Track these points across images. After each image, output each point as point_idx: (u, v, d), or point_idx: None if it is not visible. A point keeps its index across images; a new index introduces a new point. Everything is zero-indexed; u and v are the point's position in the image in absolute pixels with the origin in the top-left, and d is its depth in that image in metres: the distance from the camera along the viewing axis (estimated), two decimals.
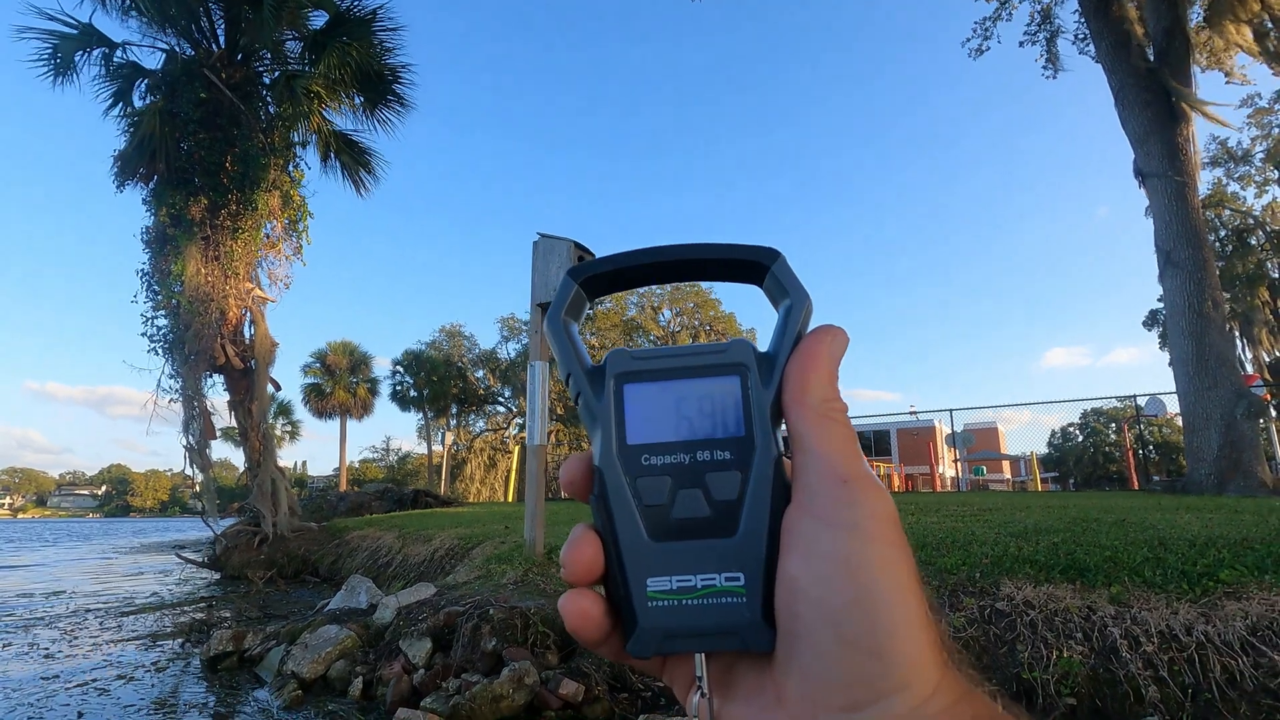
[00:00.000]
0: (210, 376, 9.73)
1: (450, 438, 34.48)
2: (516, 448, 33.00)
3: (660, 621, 0.24)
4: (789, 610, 0.23)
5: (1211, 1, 10.78)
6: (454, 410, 36.51)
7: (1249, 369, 29.62)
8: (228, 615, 6.82)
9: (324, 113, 10.80)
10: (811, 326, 0.25)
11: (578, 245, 5.07)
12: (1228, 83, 11.05)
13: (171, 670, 4.59)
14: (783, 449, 0.25)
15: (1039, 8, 11.91)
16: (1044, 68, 11.80)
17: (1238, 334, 30.02)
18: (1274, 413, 27.76)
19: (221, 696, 3.98)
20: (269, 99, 10.26)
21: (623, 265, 0.28)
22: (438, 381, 33.67)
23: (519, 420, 37.30)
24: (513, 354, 34.24)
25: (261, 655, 4.40)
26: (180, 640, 5.50)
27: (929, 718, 0.21)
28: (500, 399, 37.98)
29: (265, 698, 3.89)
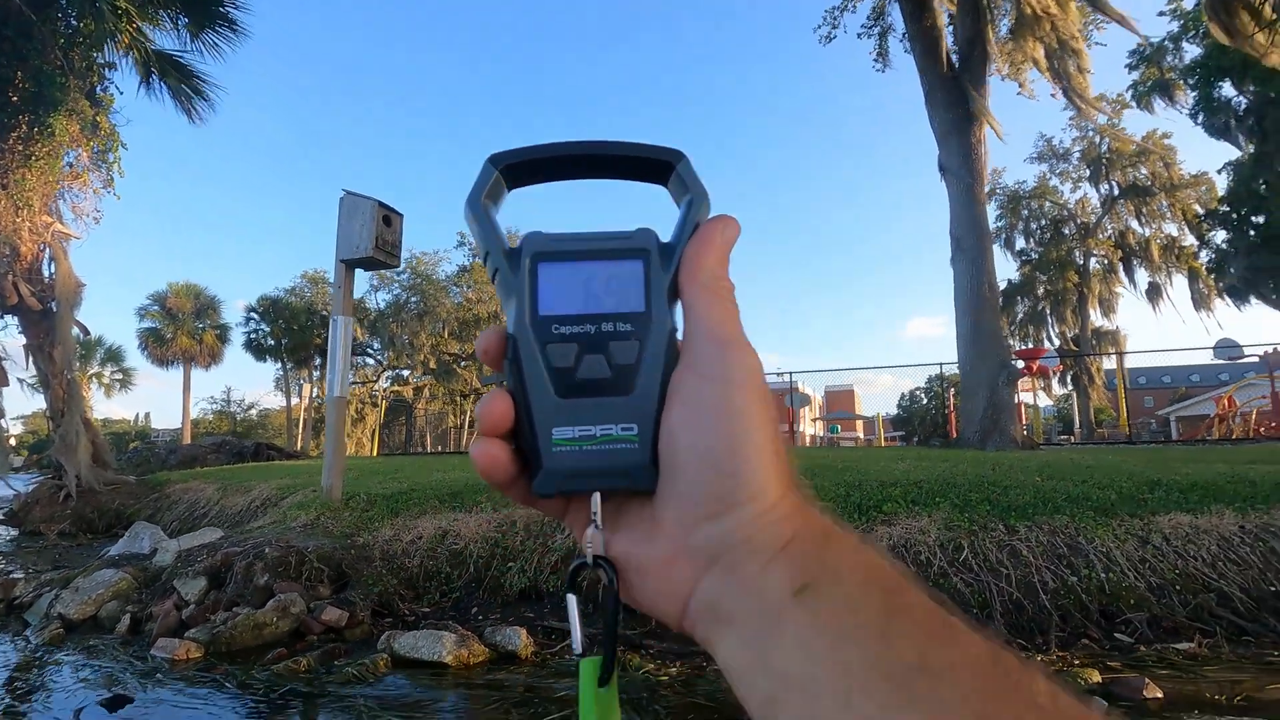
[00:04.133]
0: (1, 318, 8.90)
1: (312, 390, 32.86)
2: (384, 402, 32.11)
3: (563, 464, 0.27)
4: (669, 450, 0.27)
5: (1017, 16, 12.15)
6: (317, 362, 34.76)
7: (1056, 343, 34.05)
8: (15, 570, 6.51)
9: (142, 29, 9.88)
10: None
11: (382, 205, 5.22)
12: (1019, 94, 12.55)
13: None
14: (676, 324, 0.29)
15: (875, 4, 12.89)
16: (874, 61, 12.89)
17: (1049, 312, 34.35)
18: (1063, 384, 32.01)
19: None
20: (71, 12, 9.26)
21: (539, 155, 0.30)
22: (298, 330, 31.84)
23: (390, 373, 36.13)
24: (382, 304, 32.89)
25: (31, 602, 4.38)
26: None
27: (772, 521, 0.25)
28: (369, 350, 36.52)
29: (27, 639, 3.94)
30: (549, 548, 4.27)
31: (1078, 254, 34.55)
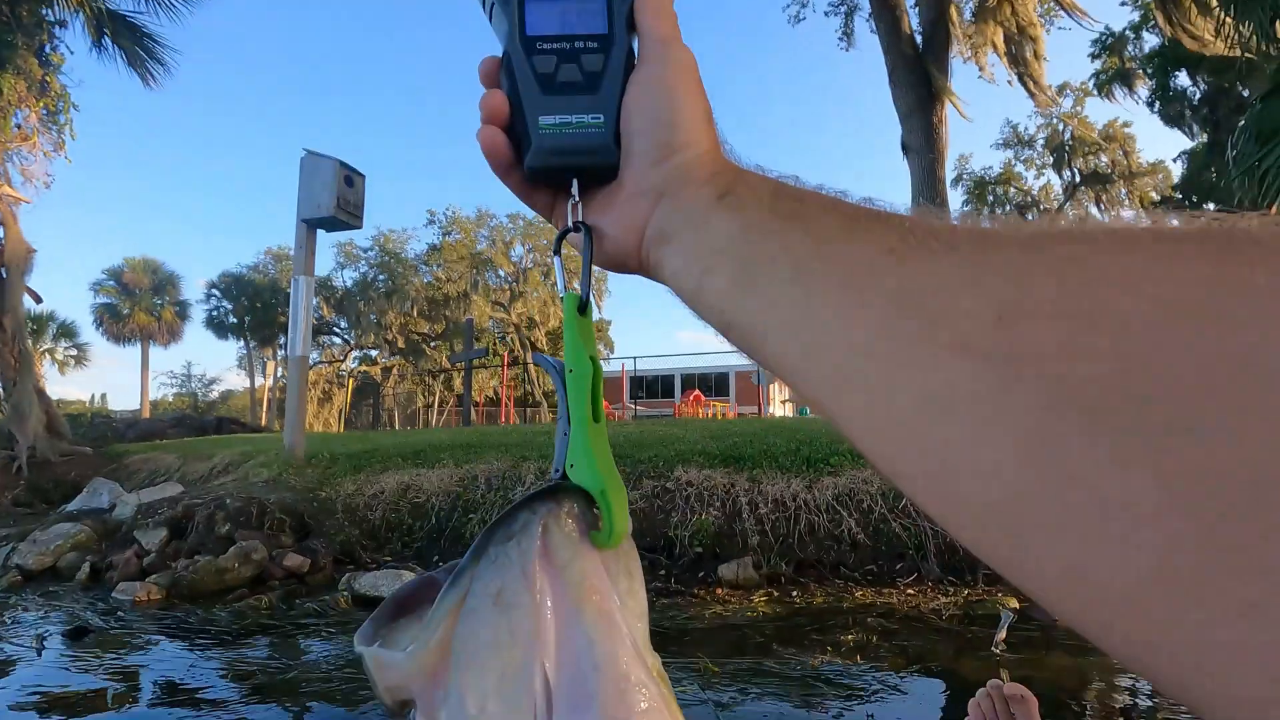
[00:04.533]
0: None
1: (276, 368, 32.31)
2: (352, 380, 31.75)
3: (548, 144, 0.33)
4: (626, 121, 0.33)
5: (980, 1, 12.39)
6: (281, 340, 34.15)
7: None
8: None
9: None
10: None
11: (343, 165, 5.22)
12: (980, 77, 12.82)
13: None
14: (633, 44, 0.35)
15: None
16: (840, 39, 13.05)
17: None
18: None
19: None
20: None
21: None
22: (262, 308, 31.21)
23: (357, 353, 35.72)
24: (349, 282, 32.38)
25: None
26: None
27: (704, 161, 0.31)
28: (336, 329, 35.99)
29: None
30: (509, 500, 4.40)
31: None
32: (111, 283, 28.43)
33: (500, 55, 0.36)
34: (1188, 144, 24.18)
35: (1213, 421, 0.14)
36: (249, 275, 30.86)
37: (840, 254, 0.23)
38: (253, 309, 30.20)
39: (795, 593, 3.48)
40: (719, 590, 3.50)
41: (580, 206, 0.35)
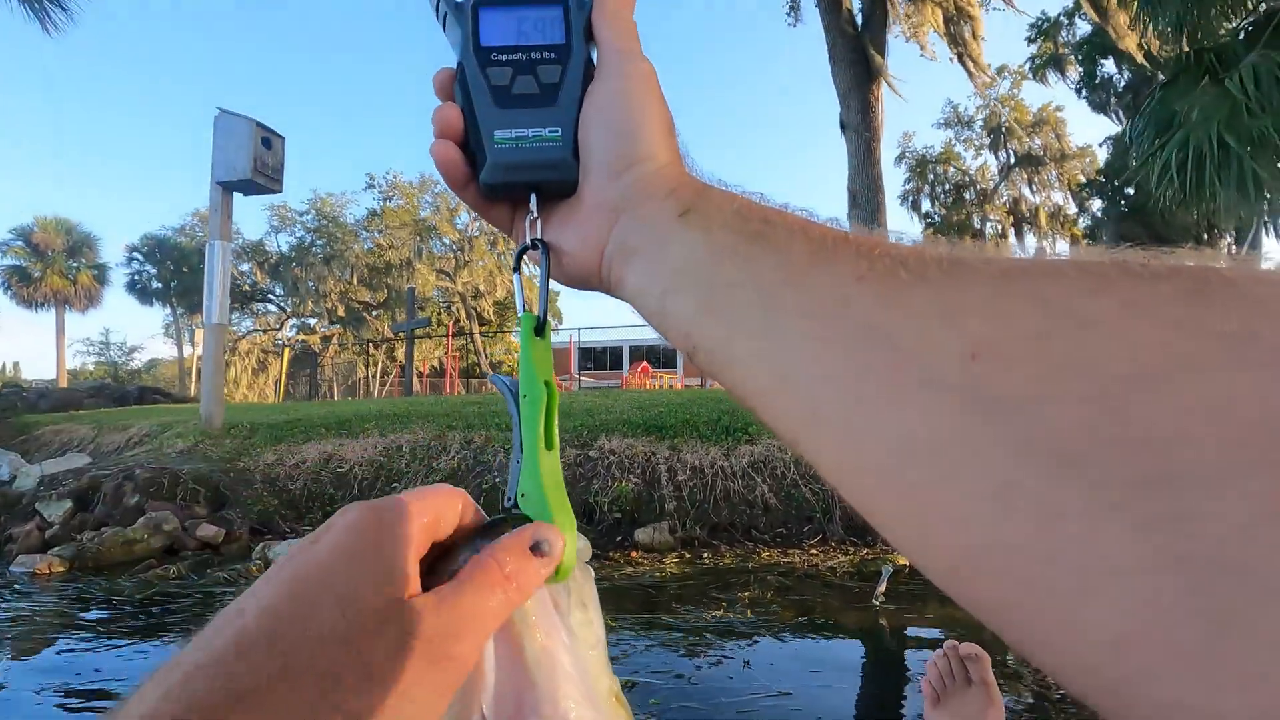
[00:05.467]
0: None
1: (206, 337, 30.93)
2: (288, 350, 30.72)
3: (504, 159, 0.32)
4: (584, 134, 0.32)
5: None
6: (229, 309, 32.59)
7: None
8: None
9: None
10: None
11: (260, 126, 5.03)
12: (921, 55, 13.09)
13: None
14: (591, 55, 0.34)
15: None
16: (787, 14, 13.11)
17: None
18: None
19: None
20: None
21: None
22: (189, 273, 29.76)
23: (295, 321, 34.54)
24: (285, 247, 31.13)
25: None
26: None
27: (664, 175, 0.30)
28: (271, 296, 34.68)
29: None
30: (434, 469, 4.43)
31: (976, 218, 36.48)
32: (20, 243, 26.57)
33: (455, 66, 0.35)
34: (1114, 129, 25.34)
35: (1190, 472, 0.14)
36: (174, 238, 29.32)
37: (808, 281, 0.23)
38: (179, 274, 28.77)
39: (706, 554, 3.65)
40: (634, 553, 3.64)
41: (539, 222, 0.34)
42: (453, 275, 36.11)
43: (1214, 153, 6.55)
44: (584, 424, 4.81)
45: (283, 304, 33.59)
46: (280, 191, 5.30)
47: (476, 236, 37.65)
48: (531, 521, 0.29)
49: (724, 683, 1.91)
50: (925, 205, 37.00)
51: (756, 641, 2.29)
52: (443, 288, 36.90)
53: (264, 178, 5.08)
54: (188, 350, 31.79)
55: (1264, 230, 19.36)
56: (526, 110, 0.33)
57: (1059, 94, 40.13)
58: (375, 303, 33.34)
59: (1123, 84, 22.20)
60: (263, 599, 0.23)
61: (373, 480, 4.41)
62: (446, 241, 36.73)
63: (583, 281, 0.33)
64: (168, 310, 30.93)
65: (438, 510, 0.28)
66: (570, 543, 0.29)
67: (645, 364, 28.20)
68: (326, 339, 33.86)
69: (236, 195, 5.37)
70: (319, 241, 30.05)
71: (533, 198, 0.33)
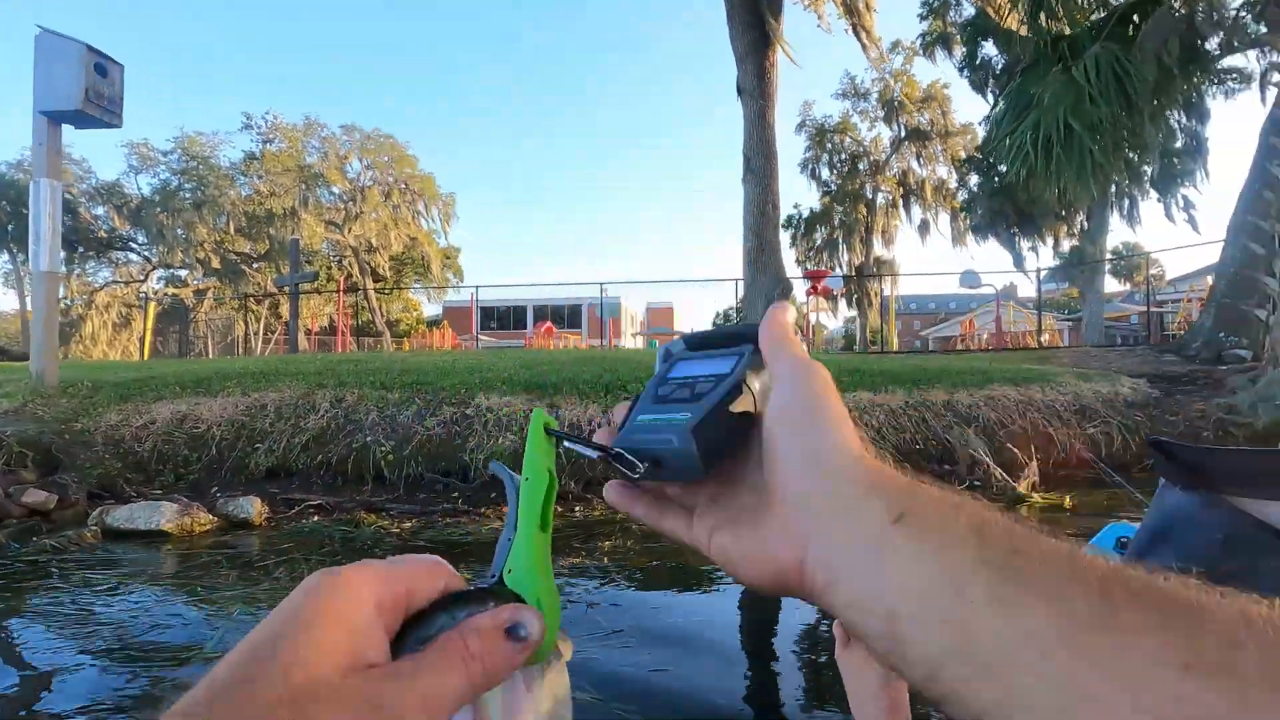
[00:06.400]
0: None
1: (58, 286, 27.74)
2: (154, 304, 28.10)
3: (634, 432, 0.35)
4: (770, 440, 0.31)
5: None
6: (62, 254, 29.23)
7: (844, 269, 37.99)
8: None
9: None
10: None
11: (92, 50, 4.51)
12: (818, 26, 13.39)
13: None
14: (745, 380, 0.35)
15: None
16: None
17: (841, 240, 38.08)
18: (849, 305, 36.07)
19: None
20: None
21: None
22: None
23: (162, 272, 31.62)
24: (146, 189, 28.19)
25: None
26: None
27: (859, 466, 0.28)
28: (133, 244, 31.51)
29: None
30: (301, 428, 4.26)
31: (869, 188, 38.16)
32: None
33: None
34: (994, 109, 27.04)
35: None
36: (11, 174, 25.85)
37: (1113, 663, 0.19)
38: (18, 215, 25.47)
39: (579, 507, 3.74)
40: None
41: (647, 475, 0.35)
42: (342, 227, 34.12)
43: (1061, 135, 7.17)
44: (463, 382, 4.76)
45: (147, 253, 30.60)
46: (119, 126, 4.77)
47: (369, 186, 35.67)
48: (513, 600, 0.28)
49: (565, 623, 1.99)
50: (823, 174, 38.31)
51: (606, 586, 2.40)
52: (332, 240, 34.85)
53: (98, 109, 4.56)
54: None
55: (1109, 209, 21.42)
56: (671, 404, 0.36)
57: (946, 72, 42.17)
58: (256, 254, 31.01)
59: (1000, 66, 23.64)
60: (217, 667, 0.23)
61: (233, 440, 4.19)
62: (336, 191, 34.56)
63: (777, 587, 0.30)
64: (5, 256, 27.46)
65: (411, 580, 0.26)
66: (551, 629, 0.28)
67: (549, 324, 27.96)
68: (200, 292, 31.26)
69: (68, 128, 4.81)
70: (187, 185, 27.44)
71: (647, 466, 0.34)
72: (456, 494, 3.89)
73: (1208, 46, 9.31)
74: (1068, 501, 3.86)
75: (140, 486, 3.89)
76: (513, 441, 4.19)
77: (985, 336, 24.24)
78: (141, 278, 31.37)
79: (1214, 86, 14.62)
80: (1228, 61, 12.16)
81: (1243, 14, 8.84)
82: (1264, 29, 7.69)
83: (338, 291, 26.45)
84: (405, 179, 36.88)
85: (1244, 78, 14.15)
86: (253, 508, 3.39)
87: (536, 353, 6.96)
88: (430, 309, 43.18)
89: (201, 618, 2.01)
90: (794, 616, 2.14)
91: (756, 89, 11.41)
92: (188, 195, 26.94)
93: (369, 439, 4.12)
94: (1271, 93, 8.96)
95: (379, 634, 0.25)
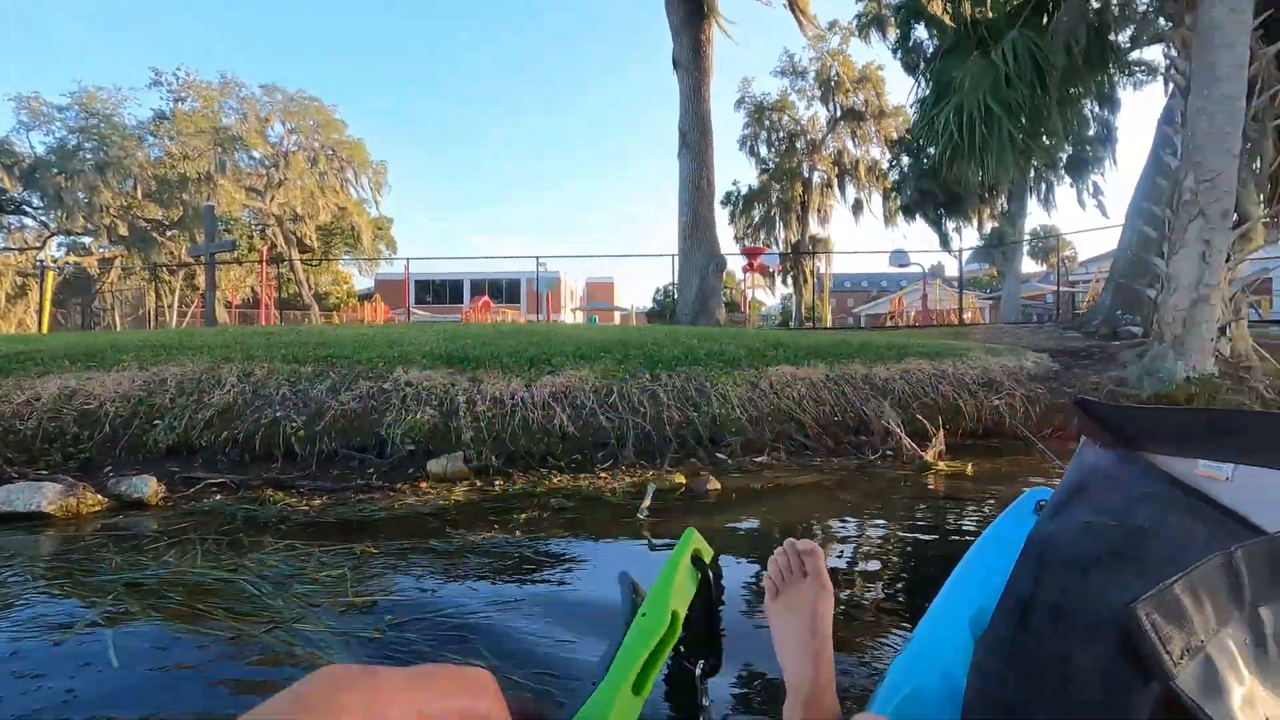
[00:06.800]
0: None
1: None
2: (53, 274, 26.08)
3: None
4: None
5: None
6: None
7: (781, 246, 38.63)
8: None
9: None
10: None
11: None
12: (757, 0, 13.38)
13: None
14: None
15: None
16: None
17: (778, 217, 38.64)
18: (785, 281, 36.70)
19: None
20: None
21: None
22: None
23: (61, 239, 29.35)
24: (40, 149, 25.98)
25: None
26: None
27: None
28: (27, 208, 29.12)
29: None
30: (204, 404, 4.05)
31: (805, 167, 38.75)
32: None
33: None
34: (924, 92, 27.85)
35: None
36: None
37: None
38: None
39: (499, 482, 3.71)
40: (422, 484, 3.62)
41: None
42: (265, 194, 32.45)
43: (982, 115, 7.42)
44: (382, 355, 4.62)
45: (44, 218, 28.32)
46: None
47: (293, 152, 33.94)
48: None
49: (466, 594, 1.99)
50: (762, 151, 38.66)
51: (515, 558, 2.39)
52: (254, 208, 33.13)
53: None
54: None
55: (1028, 193, 22.43)
56: None
57: (881, 54, 42.97)
58: (168, 221, 29.16)
59: (931, 50, 24.27)
60: None
61: (129, 417, 3.95)
62: (256, 156, 32.74)
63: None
64: None
65: (444, 694, 0.22)
66: None
67: (487, 298, 27.45)
68: (107, 261, 29.23)
69: None
70: (88, 144, 25.44)
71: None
72: (371, 470, 3.80)
73: (1120, 40, 9.80)
74: (969, 469, 4.07)
75: (23, 467, 3.63)
76: (432, 416, 4.11)
77: (913, 314, 25.20)
78: (38, 244, 29.06)
79: (1125, 78, 15.41)
80: (1137, 55, 12.86)
81: (1150, 9, 9.33)
82: (1165, 23, 8.13)
83: (260, 262, 25.22)
84: (333, 145, 35.22)
85: (1151, 70, 14.99)
86: (148, 487, 3.21)
87: (463, 326, 6.81)
88: (362, 282, 41.66)
89: (75, 602, 1.91)
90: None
91: (692, 63, 11.36)
92: (89, 156, 24.99)
93: (279, 414, 3.96)
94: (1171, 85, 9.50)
95: None
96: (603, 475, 3.90)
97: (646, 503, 3.04)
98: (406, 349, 4.83)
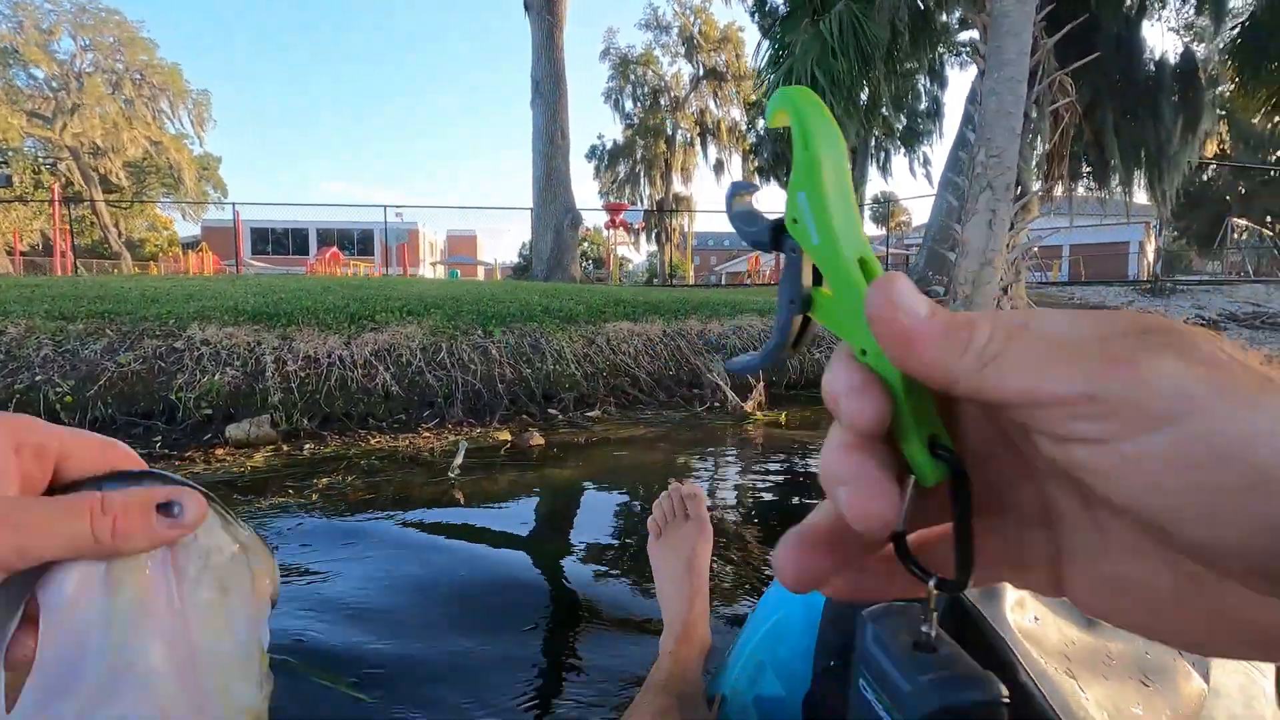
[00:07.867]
0: None
1: None
2: None
3: None
4: None
5: None
6: None
7: (645, 203, 38.91)
8: None
9: None
10: None
11: None
12: None
13: None
14: None
15: None
16: None
17: (643, 174, 38.80)
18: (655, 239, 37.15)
19: None
20: None
21: None
22: None
23: None
24: None
25: None
26: None
27: None
28: None
29: None
30: None
31: (669, 124, 39.07)
32: None
33: None
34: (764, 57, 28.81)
35: None
36: None
37: None
38: None
39: (309, 445, 3.50)
40: (219, 450, 3.34)
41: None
42: (54, 122, 27.94)
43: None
44: (173, 310, 4.15)
45: None
46: None
47: (89, 73, 29.34)
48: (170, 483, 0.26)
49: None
50: (626, 105, 38.42)
51: (303, 523, 2.29)
52: (40, 138, 28.49)
53: None
54: None
55: (869, 161, 24.12)
56: None
57: (740, 16, 43.84)
58: None
59: (783, 14, 25.07)
60: None
61: None
62: (39, 75, 28.01)
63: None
64: None
65: (65, 441, 0.25)
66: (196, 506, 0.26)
67: (335, 250, 25.51)
68: None
69: None
70: None
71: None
72: (159, 438, 3.45)
73: (950, 20, 10.61)
74: (783, 419, 4.39)
75: None
76: (234, 378, 3.78)
77: (767, 272, 26.54)
78: None
79: (954, 57, 16.79)
80: (967, 36, 14.01)
81: None
82: (972, 7, 8.91)
83: (51, 201, 21.79)
84: (141, 68, 30.79)
85: (975, 50, 16.48)
86: None
87: (279, 279, 6.28)
88: (186, 229, 37.18)
89: None
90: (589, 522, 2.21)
91: (544, 5, 10.95)
92: None
93: (38, 378, 3.47)
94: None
95: (13, 474, 0.23)
96: (425, 434, 3.80)
97: (458, 461, 3.01)
98: (206, 304, 4.38)
